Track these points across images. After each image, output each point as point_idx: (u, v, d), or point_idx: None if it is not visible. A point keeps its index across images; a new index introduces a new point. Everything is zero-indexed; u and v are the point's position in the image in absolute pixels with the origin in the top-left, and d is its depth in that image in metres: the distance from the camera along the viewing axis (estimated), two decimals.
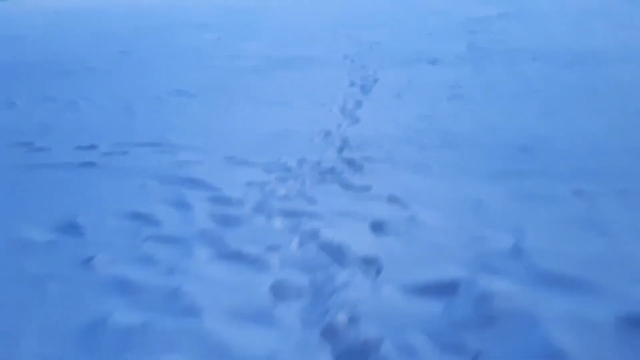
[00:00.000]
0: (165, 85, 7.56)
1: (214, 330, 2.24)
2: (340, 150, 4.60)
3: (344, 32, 15.28)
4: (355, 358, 2.06)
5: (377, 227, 3.09)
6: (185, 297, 2.49)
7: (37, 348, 2.17)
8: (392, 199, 3.52)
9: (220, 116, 5.75)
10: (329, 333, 2.19)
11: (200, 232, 3.09)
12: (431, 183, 3.76)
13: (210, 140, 4.88)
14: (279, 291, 2.53)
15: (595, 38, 11.40)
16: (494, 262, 2.71)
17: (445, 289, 2.50)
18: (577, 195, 3.51)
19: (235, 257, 2.88)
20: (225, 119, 5.65)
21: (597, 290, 2.45)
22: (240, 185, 3.76)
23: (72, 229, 3.21)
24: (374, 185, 3.77)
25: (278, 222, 3.14)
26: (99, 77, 8.40)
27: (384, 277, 2.62)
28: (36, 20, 27.61)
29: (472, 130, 4.91)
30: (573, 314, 2.25)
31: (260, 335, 2.23)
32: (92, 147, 4.77)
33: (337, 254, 2.85)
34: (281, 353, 2.09)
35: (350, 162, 4.26)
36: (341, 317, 2.26)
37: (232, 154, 4.48)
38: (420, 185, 3.75)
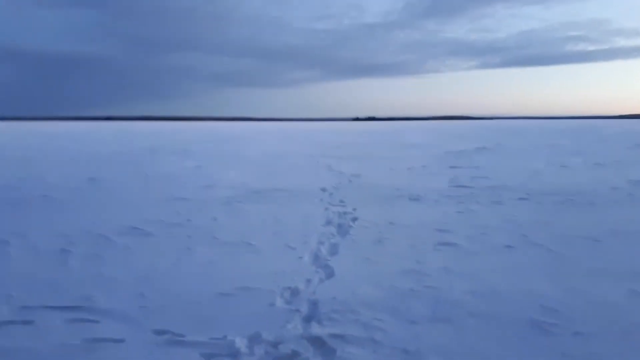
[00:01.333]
0: (122, 220, 6.60)
1: None
2: (307, 320, 3.53)
3: (324, 163, 14.88)
4: None
5: None
6: None
7: None
8: None
9: (169, 265, 4.71)
10: None
11: None
12: None
13: (146, 302, 3.79)
14: None
15: (576, 176, 11.01)
16: None
17: None
18: None
19: None
20: (174, 269, 4.61)
21: None
22: None
23: None
24: None
25: None
26: (49, 209, 7.43)
27: None
28: (20, 142, 27.31)
29: (468, 296, 3.92)
30: None
31: None
32: None
33: None
34: None
35: (318, 344, 3.17)
36: None
37: (166, 326, 3.37)
38: None
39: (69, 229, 6.10)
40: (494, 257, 4.95)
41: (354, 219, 6.77)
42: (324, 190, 9.34)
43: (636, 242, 5.44)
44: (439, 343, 3.17)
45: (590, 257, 4.92)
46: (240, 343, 3.18)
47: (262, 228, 6.25)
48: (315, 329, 3.37)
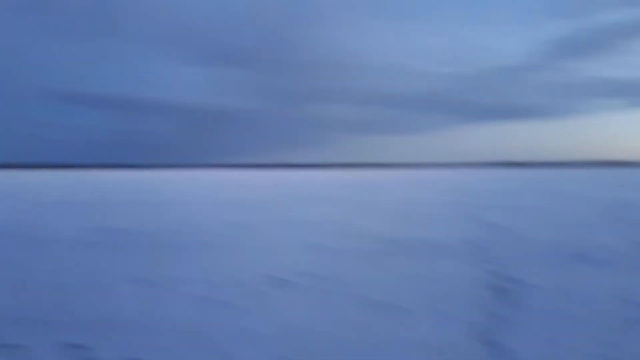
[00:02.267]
0: (265, 268, 6.39)
1: None
2: None
3: (467, 212, 13.68)
4: None
5: None
6: None
7: None
8: None
9: (312, 324, 4.21)
10: None
11: None
12: None
13: None
14: None
15: None
16: None
17: None
18: None
19: None
20: (319, 330, 4.09)
21: None
22: None
23: None
24: None
25: None
26: (198, 254, 7.58)
27: None
28: (189, 189, 30.25)
29: None
30: None
31: None
32: None
33: None
34: None
35: None
36: None
37: None
38: None
39: (212, 275, 6.02)
40: None
41: (518, 283, 5.70)
42: (471, 243, 8.32)
43: None
44: None
45: None
46: None
47: (409, 288, 5.52)
48: None
